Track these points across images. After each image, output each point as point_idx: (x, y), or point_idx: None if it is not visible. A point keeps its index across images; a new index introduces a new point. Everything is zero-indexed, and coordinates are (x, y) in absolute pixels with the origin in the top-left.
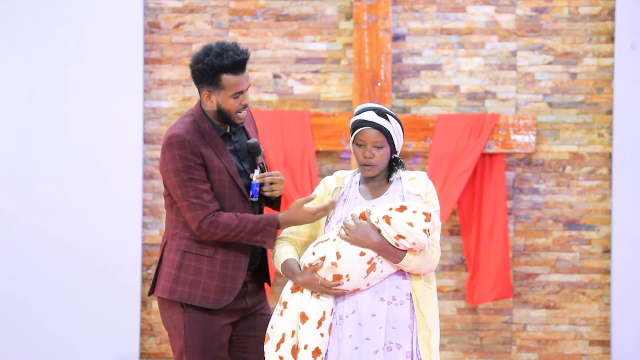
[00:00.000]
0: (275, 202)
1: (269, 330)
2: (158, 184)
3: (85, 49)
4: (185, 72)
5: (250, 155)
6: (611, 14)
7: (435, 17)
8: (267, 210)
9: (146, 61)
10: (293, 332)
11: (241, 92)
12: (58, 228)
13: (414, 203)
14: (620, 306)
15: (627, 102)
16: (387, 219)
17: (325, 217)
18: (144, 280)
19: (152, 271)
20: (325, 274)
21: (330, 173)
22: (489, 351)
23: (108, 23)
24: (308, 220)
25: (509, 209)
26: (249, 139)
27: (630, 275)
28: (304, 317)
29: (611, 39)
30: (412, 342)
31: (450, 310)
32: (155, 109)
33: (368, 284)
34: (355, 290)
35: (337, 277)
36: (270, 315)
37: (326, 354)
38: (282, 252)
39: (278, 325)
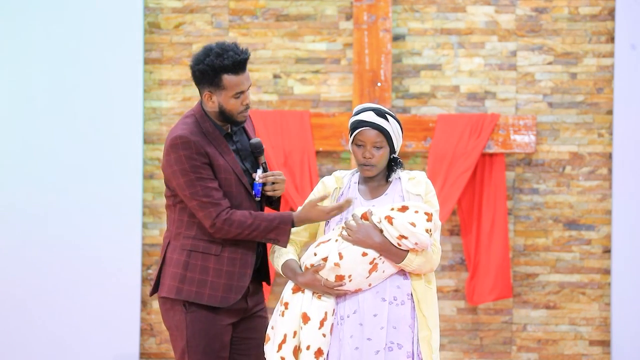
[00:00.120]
0: (275, 202)
1: (269, 331)
2: (158, 184)
3: (85, 49)
4: (185, 72)
5: (253, 155)
6: (611, 14)
7: (435, 17)
8: (267, 210)
9: (146, 61)
10: (295, 333)
11: (242, 92)
12: (58, 228)
13: (416, 203)
14: (620, 306)
15: (627, 102)
16: (390, 219)
17: None
18: (144, 280)
19: (152, 271)
20: (328, 274)
21: (330, 173)
22: (489, 351)
23: (108, 23)
24: (322, 218)
25: (509, 209)
26: (249, 139)
27: (630, 275)
28: (305, 318)
29: (611, 39)
30: (412, 342)
31: (450, 310)
32: (155, 109)
33: (370, 284)
34: (357, 291)
35: (340, 278)
36: (267, 319)
37: (327, 354)
38: (282, 253)
39: (279, 326)
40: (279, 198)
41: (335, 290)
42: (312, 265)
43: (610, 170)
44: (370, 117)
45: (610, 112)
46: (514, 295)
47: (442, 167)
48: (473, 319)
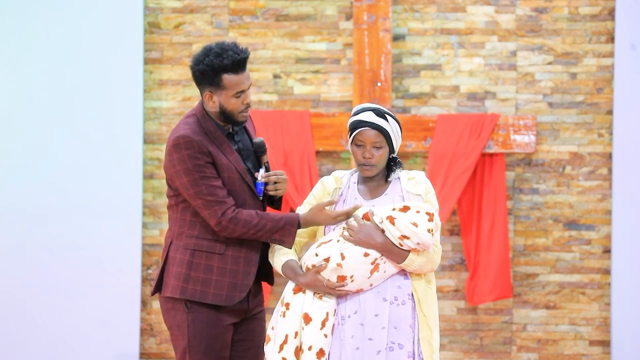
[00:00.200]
0: (276, 202)
1: (269, 332)
2: (158, 184)
3: (85, 49)
4: (186, 72)
5: (256, 154)
6: (611, 14)
7: (435, 17)
8: (269, 210)
9: (146, 61)
10: (296, 333)
11: (243, 91)
12: (58, 228)
13: (417, 203)
14: (620, 306)
15: (627, 102)
16: (391, 220)
17: None
18: (144, 280)
19: (152, 271)
20: (330, 275)
21: (330, 173)
22: (489, 351)
23: (108, 23)
24: (329, 223)
25: (509, 209)
26: (250, 138)
27: (630, 275)
28: (307, 318)
29: (611, 39)
30: (413, 342)
31: (450, 310)
32: (155, 109)
33: (371, 285)
34: (359, 291)
35: (342, 278)
36: (265, 321)
37: (328, 354)
38: (282, 253)
39: (280, 327)
40: (281, 198)
41: (337, 291)
42: (313, 266)
43: (610, 170)
44: (369, 117)
45: (610, 112)
46: (514, 295)
47: (442, 167)
48: (473, 319)
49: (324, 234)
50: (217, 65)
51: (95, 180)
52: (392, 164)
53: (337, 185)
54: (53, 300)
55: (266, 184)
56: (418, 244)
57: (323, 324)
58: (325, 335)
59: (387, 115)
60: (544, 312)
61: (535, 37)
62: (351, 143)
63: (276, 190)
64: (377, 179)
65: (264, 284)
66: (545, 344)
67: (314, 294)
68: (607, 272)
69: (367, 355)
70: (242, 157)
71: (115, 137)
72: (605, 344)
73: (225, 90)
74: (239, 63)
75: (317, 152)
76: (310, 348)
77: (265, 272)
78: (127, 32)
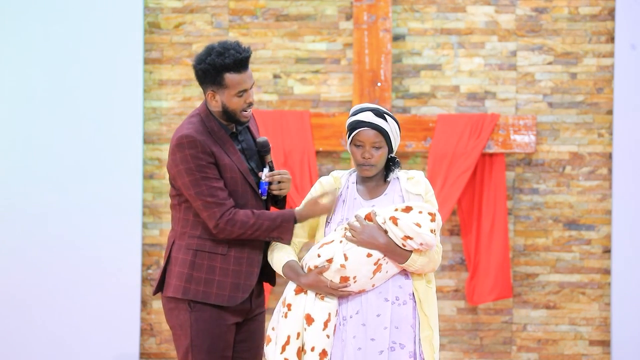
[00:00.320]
0: (280, 202)
1: (270, 332)
2: (158, 184)
3: (85, 49)
4: (185, 72)
5: (260, 154)
6: (611, 14)
7: (435, 17)
8: (273, 210)
9: (146, 61)
10: (298, 334)
11: (245, 90)
12: (58, 228)
13: (419, 203)
14: (620, 306)
15: (627, 102)
16: (394, 220)
17: (326, 218)
18: (144, 280)
19: (152, 271)
20: (333, 276)
21: (330, 173)
22: (489, 351)
23: (108, 23)
24: (324, 213)
25: (509, 209)
26: (254, 138)
27: (630, 275)
28: (309, 319)
29: (611, 39)
30: (414, 342)
31: (450, 310)
32: (155, 109)
33: (373, 285)
34: (361, 291)
35: (345, 279)
36: (265, 323)
37: (330, 355)
38: (283, 254)
39: (282, 327)
40: (285, 197)
41: (339, 292)
42: (316, 267)
43: (610, 170)
44: (368, 117)
45: (610, 112)
46: (514, 295)
47: (442, 167)
48: (473, 319)
49: (324, 235)
50: (219, 64)
51: (95, 180)
52: (390, 164)
53: (337, 186)
54: (53, 300)
55: (270, 183)
56: (421, 244)
57: (325, 325)
58: (328, 336)
59: (386, 115)
60: (544, 312)
61: (535, 37)
62: (350, 143)
63: (280, 189)
64: (376, 179)
65: (265, 285)
66: (545, 344)
67: (315, 295)
68: (607, 272)
69: (370, 356)
70: (245, 157)
71: (115, 137)
72: (605, 344)
73: (228, 89)
74: (241, 62)
75: (317, 152)
76: (312, 349)
77: (268, 273)
78: (127, 32)
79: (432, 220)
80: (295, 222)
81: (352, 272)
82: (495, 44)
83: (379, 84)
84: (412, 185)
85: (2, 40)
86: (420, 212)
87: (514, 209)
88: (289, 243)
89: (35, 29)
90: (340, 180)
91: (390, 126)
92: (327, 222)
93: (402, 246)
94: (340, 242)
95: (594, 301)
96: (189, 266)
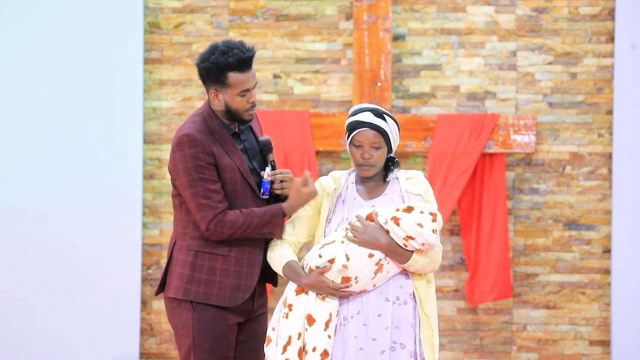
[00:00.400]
0: (284, 201)
1: (270, 333)
2: (158, 184)
3: (85, 49)
4: (185, 72)
5: (262, 153)
6: (611, 14)
7: (435, 17)
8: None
9: (146, 61)
10: (299, 335)
11: (248, 90)
12: (58, 228)
13: (420, 203)
14: (620, 306)
15: (627, 102)
16: (396, 220)
17: (325, 218)
18: (144, 280)
19: (152, 271)
20: (335, 276)
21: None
22: (489, 351)
23: (108, 23)
24: (312, 197)
25: (509, 209)
26: (256, 137)
27: (630, 275)
28: (310, 320)
29: (611, 39)
30: (415, 342)
31: (450, 310)
32: (155, 109)
33: (374, 285)
34: (362, 292)
35: (347, 280)
36: (266, 323)
37: (331, 355)
38: (283, 254)
39: (283, 328)
40: (287, 197)
41: (341, 292)
42: (317, 267)
43: (610, 170)
44: (368, 117)
45: (610, 112)
46: (514, 295)
47: (442, 167)
48: (473, 319)
49: (325, 235)
50: (223, 63)
51: (95, 180)
52: (389, 164)
53: (336, 186)
54: (53, 300)
55: (272, 182)
56: (423, 244)
57: (327, 325)
58: (329, 336)
59: (385, 116)
60: (544, 312)
61: (535, 37)
62: (349, 144)
63: (282, 189)
64: (375, 179)
65: (266, 285)
66: (545, 344)
67: (316, 295)
68: (607, 272)
69: (372, 356)
70: (248, 157)
71: (115, 137)
72: (605, 344)
73: (231, 88)
74: (244, 61)
75: (317, 152)
76: (314, 349)
77: (269, 274)
78: (127, 32)
79: (434, 220)
80: (284, 215)
81: (353, 272)
82: (495, 44)
83: (379, 84)
84: (411, 185)
85: (2, 40)
86: (421, 212)
87: (514, 209)
88: (280, 238)
89: (36, 29)
90: (339, 180)
91: (389, 126)
92: (327, 222)
93: (403, 246)
94: (342, 242)
95: (594, 301)
96: (189, 267)
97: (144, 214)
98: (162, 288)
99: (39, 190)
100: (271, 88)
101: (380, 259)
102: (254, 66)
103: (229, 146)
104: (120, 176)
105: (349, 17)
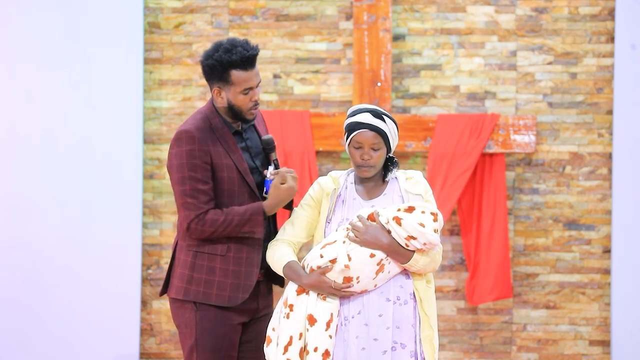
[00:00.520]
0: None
1: (270, 333)
2: (158, 184)
3: (85, 49)
4: (185, 72)
5: (265, 152)
6: (611, 14)
7: (435, 17)
8: (280, 210)
9: (146, 61)
10: (300, 335)
11: (251, 88)
12: (58, 228)
13: (421, 203)
14: (620, 306)
15: (627, 102)
16: (398, 220)
17: (325, 218)
18: (144, 280)
19: (152, 271)
20: (336, 276)
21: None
22: (489, 351)
23: (108, 23)
24: (292, 194)
25: (509, 209)
26: (260, 136)
27: (630, 275)
28: (312, 320)
29: (611, 39)
30: (415, 342)
31: (450, 310)
32: (155, 109)
33: (375, 285)
34: (363, 292)
35: (348, 279)
36: None
37: (332, 355)
38: (283, 254)
39: (284, 328)
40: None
41: (342, 292)
42: (319, 267)
43: (610, 170)
44: (367, 118)
45: (610, 112)
46: (514, 295)
47: (442, 167)
48: (473, 319)
49: (325, 235)
50: (226, 61)
51: (95, 180)
52: (388, 164)
53: (335, 186)
54: (53, 300)
55: None
56: (425, 244)
57: (328, 325)
58: (330, 337)
59: (384, 116)
60: (544, 312)
61: (535, 37)
62: (348, 144)
63: None
64: (374, 179)
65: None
66: (545, 344)
67: (317, 295)
68: (607, 272)
69: (374, 356)
70: (250, 155)
71: (115, 137)
72: (605, 344)
73: (233, 86)
74: (247, 60)
75: (317, 152)
76: (315, 349)
77: (276, 274)
78: (127, 32)
79: (435, 220)
80: (265, 213)
81: (355, 272)
82: (495, 44)
83: (379, 84)
84: (411, 185)
85: (2, 40)
86: (423, 212)
87: (514, 209)
88: (261, 236)
89: (36, 29)
90: (338, 180)
91: (388, 127)
92: (327, 222)
93: (405, 246)
94: (343, 242)
95: (594, 301)
96: (189, 267)
97: (144, 214)
98: (165, 288)
99: (39, 190)
100: (271, 88)
101: (382, 259)
102: None
103: (229, 144)
104: (120, 176)
105: (349, 17)
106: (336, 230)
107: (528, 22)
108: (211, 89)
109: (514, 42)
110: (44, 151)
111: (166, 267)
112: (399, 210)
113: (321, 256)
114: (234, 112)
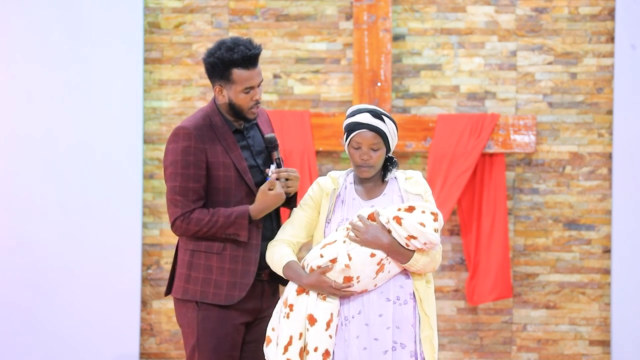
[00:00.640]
0: (291, 200)
1: (269, 333)
2: (158, 184)
3: (85, 49)
4: (185, 72)
5: (267, 150)
6: (611, 14)
7: (435, 17)
8: (283, 209)
9: (146, 61)
10: (300, 335)
11: (252, 87)
12: (58, 228)
13: (421, 203)
14: (620, 306)
15: (627, 102)
16: (398, 220)
17: (325, 218)
18: (144, 280)
19: (152, 271)
20: (337, 276)
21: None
22: (489, 351)
23: (108, 23)
24: (280, 200)
25: (509, 209)
26: (262, 135)
27: (630, 275)
28: (312, 320)
29: (611, 39)
30: (415, 342)
31: (450, 310)
32: (155, 109)
33: (375, 285)
34: (363, 291)
35: (348, 279)
36: None
37: (332, 355)
38: (283, 254)
39: (284, 328)
40: (295, 196)
41: (343, 292)
42: (319, 267)
43: (610, 170)
44: (366, 118)
45: (610, 112)
46: (514, 295)
47: (442, 167)
48: (473, 319)
49: (324, 235)
50: (228, 59)
51: (95, 180)
52: (388, 164)
53: (335, 186)
54: (53, 300)
55: (277, 180)
56: (425, 243)
57: (328, 325)
58: (330, 336)
59: (383, 116)
60: (544, 312)
61: (535, 37)
62: (348, 145)
63: (287, 187)
64: (374, 179)
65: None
66: (545, 344)
67: (317, 295)
68: (607, 272)
69: (375, 355)
70: (251, 154)
71: (115, 137)
72: (605, 344)
73: (235, 84)
74: (249, 58)
75: (317, 152)
76: (316, 349)
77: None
78: (127, 32)
79: (435, 219)
80: (250, 217)
81: (355, 272)
82: (495, 44)
83: (379, 84)
84: (411, 185)
85: (1, 40)
86: (423, 212)
87: (514, 209)
88: (245, 239)
89: (36, 29)
90: (337, 180)
91: (388, 127)
92: (327, 222)
93: (405, 246)
94: (344, 242)
95: (594, 301)
96: (187, 266)
97: (144, 214)
98: (170, 289)
99: (39, 190)
100: (271, 88)
101: (382, 259)
102: None
103: (229, 142)
104: (120, 176)
105: (349, 17)
106: (336, 230)
107: (528, 22)
108: (213, 87)
109: (514, 42)
110: (44, 151)
111: (166, 267)
112: (399, 209)
113: (321, 256)
114: (234, 110)
